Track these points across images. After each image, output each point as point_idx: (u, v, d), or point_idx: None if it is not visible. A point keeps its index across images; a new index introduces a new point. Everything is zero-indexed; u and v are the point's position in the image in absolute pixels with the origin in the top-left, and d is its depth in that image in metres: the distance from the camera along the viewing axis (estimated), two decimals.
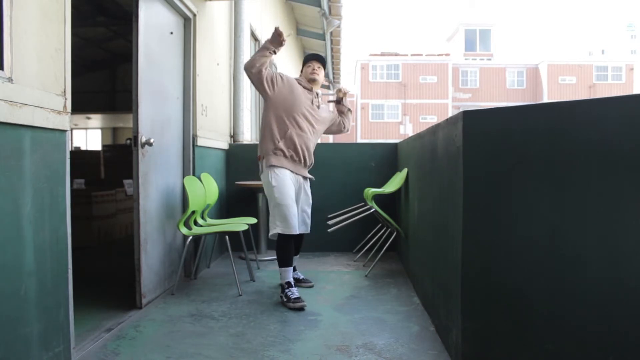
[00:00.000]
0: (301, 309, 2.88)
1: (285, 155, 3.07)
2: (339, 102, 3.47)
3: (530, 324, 1.85)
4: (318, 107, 3.25)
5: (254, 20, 5.66)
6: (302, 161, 3.15)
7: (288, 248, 3.07)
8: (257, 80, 3.04)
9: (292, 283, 3.04)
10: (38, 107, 1.81)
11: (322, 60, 3.31)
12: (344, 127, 3.51)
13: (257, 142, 5.81)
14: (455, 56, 34.35)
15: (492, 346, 1.93)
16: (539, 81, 32.67)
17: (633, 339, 1.71)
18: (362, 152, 4.58)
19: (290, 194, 3.06)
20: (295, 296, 2.94)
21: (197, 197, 3.39)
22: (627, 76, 32.17)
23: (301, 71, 3.36)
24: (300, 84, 3.22)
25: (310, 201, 3.32)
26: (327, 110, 3.40)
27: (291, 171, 3.11)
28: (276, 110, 3.09)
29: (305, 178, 3.26)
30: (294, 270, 3.34)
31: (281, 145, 3.06)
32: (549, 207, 1.82)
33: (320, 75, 3.26)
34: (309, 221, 3.29)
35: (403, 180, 3.80)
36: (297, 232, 3.08)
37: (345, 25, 10.74)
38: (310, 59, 3.31)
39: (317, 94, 3.27)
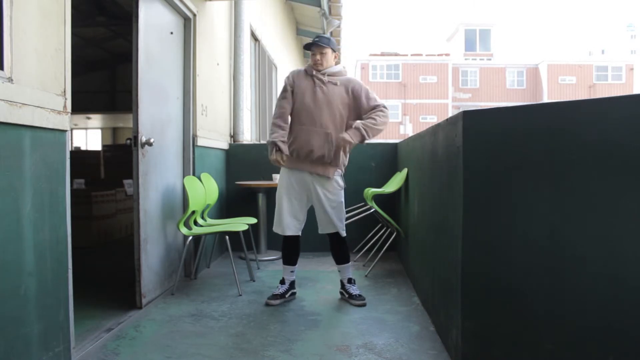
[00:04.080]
0: (267, 304, 2.97)
1: (288, 160, 2.94)
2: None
3: (530, 324, 1.85)
4: (324, 84, 2.93)
5: (254, 20, 5.66)
6: (307, 156, 2.89)
7: (285, 246, 3.10)
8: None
9: (285, 280, 3.09)
10: (38, 107, 1.81)
11: (323, 42, 2.95)
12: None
13: (257, 142, 5.86)
14: (455, 56, 34.36)
15: (492, 346, 1.93)
16: (539, 81, 32.67)
17: (633, 338, 1.71)
18: (362, 152, 4.58)
19: (283, 192, 2.99)
20: (275, 292, 3.04)
21: (197, 197, 3.39)
22: (627, 76, 32.17)
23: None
24: (306, 72, 3.01)
25: (331, 200, 2.95)
26: (339, 88, 2.95)
27: (290, 168, 2.95)
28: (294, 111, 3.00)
29: (319, 175, 2.93)
30: (350, 282, 3.10)
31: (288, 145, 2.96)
32: (549, 207, 1.82)
33: (325, 64, 2.96)
34: (337, 216, 2.98)
35: (403, 180, 3.80)
36: (285, 233, 2.99)
37: (345, 25, 10.73)
38: (308, 47, 3.02)
39: (324, 74, 2.95)
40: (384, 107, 2.98)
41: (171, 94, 3.39)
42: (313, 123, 2.91)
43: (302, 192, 2.99)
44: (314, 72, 2.98)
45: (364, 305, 2.96)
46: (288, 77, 3.03)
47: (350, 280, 3.12)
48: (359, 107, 2.96)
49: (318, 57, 2.97)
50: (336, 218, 2.99)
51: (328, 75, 2.97)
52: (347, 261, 3.12)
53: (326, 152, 2.89)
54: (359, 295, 3.03)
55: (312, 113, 2.92)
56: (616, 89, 31.14)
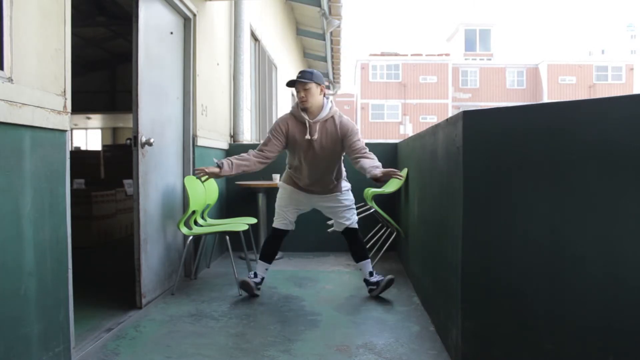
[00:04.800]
0: (242, 282, 3.12)
1: (292, 182, 3.18)
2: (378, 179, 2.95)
3: (530, 324, 1.85)
4: (313, 137, 2.95)
5: (254, 20, 5.66)
6: (313, 190, 3.13)
7: (268, 240, 3.26)
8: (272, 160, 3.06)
9: (257, 274, 3.20)
10: (38, 107, 1.81)
11: (305, 77, 2.91)
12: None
13: (257, 142, 5.86)
14: (455, 56, 34.35)
15: (492, 346, 1.93)
16: (539, 81, 32.67)
17: (633, 339, 1.71)
18: None
19: (286, 200, 3.20)
20: (251, 280, 3.14)
21: (197, 197, 3.39)
22: (627, 76, 32.17)
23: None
24: (295, 117, 3.01)
25: (341, 205, 3.15)
26: (330, 134, 2.98)
27: (295, 189, 3.18)
28: (289, 150, 3.11)
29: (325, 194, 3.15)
30: (371, 275, 3.17)
31: (291, 173, 3.17)
32: (549, 207, 1.82)
33: (311, 100, 2.91)
34: (347, 216, 3.15)
35: (403, 180, 3.80)
36: (280, 228, 3.19)
37: (345, 25, 10.73)
38: (292, 84, 2.98)
39: (312, 122, 2.95)
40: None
41: (171, 94, 3.39)
42: (313, 173, 3.06)
43: (303, 204, 3.21)
44: (306, 121, 2.95)
45: (382, 284, 3.10)
46: (278, 127, 3.01)
47: (371, 274, 3.19)
48: (347, 143, 2.99)
49: (302, 94, 2.93)
50: (346, 215, 3.16)
51: (321, 122, 2.98)
52: (366, 257, 3.20)
53: (330, 187, 3.13)
54: (378, 282, 3.13)
55: (311, 165, 3.03)
56: (616, 89, 31.13)
